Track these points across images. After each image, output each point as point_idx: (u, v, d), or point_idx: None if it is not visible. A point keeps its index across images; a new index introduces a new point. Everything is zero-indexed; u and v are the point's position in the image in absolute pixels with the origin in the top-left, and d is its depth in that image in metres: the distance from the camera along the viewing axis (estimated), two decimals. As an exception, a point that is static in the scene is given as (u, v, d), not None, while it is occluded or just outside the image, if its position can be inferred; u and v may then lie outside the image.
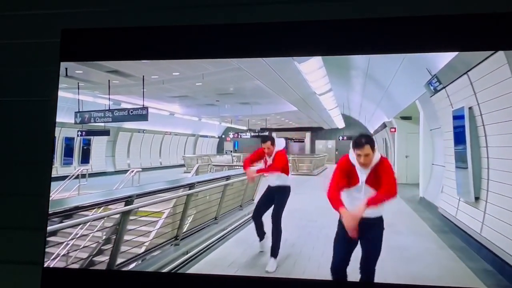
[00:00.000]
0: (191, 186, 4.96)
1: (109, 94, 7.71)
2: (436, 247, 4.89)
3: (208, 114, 14.30)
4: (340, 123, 15.28)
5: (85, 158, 12.38)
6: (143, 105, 7.34)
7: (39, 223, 3.22)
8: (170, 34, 3.31)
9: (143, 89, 7.58)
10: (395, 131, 10.87)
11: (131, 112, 7.36)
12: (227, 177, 6.01)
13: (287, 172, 4.88)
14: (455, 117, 5.24)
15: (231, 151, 18.53)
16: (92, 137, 12.30)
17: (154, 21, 3.35)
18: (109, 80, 7.66)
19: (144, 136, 15.40)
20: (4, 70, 3.52)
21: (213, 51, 3.32)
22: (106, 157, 13.86)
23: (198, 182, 5.12)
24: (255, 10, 3.27)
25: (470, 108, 4.80)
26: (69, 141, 11.24)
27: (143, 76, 7.62)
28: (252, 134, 15.21)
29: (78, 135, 10.69)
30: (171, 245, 4.86)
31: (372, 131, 14.27)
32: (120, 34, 3.34)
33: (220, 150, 19.32)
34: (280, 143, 4.99)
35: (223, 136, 18.83)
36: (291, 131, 17.99)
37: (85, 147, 12.38)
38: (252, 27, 3.18)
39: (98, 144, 13.18)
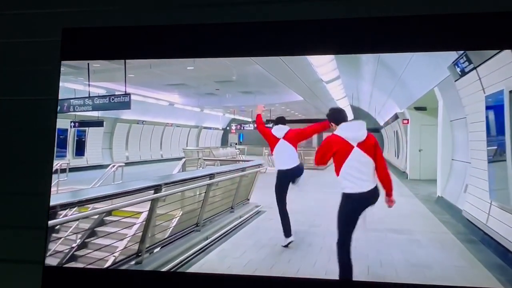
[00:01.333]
0: (156, 188, 3.99)
1: (88, 80, 6.77)
2: (467, 264, 3.90)
3: (209, 104, 13.29)
4: (349, 115, 14.22)
5: (80, 150, 11.76)
6: (125, 92, 6.39)
7: (40, 222, 3.15)
8: (171, 33, 3.25)
9: (125, 72, 6.62)
10: (407, 122, 9.85)
11: (112, 99, 6.43)
12: (211, 176, 5.02)
13: None
14: (489, 104, 4.24)
15: (235, 144, 17.79)
16: (87, 128, 11.62)
17: (156, 20, 3.29)
18: (88, 63, 6.73)
19: (144, 127, 14.59)
20: (5, 69, 3.47)
21: (214, 50, 3.27)
22: (103, 150, 13.23)
23: (167, 184, 4.14)
24: (254, 9, 3.20)
25: (511, 91, 3.80)
26: (62, 133, 10.40)
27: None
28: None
29: (71, 126, 10.05)
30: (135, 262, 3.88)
31: (382, 123, 13.57)
32: (121, 33, 3.30)
33: (224, 142, 18.53)
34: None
35: (228, 128, 18.00)
36: (298, 123, 17.11)
37: (82, 139, 11.74)
38: (252, 25, 3.14)
39: (94, 135, 12.57)
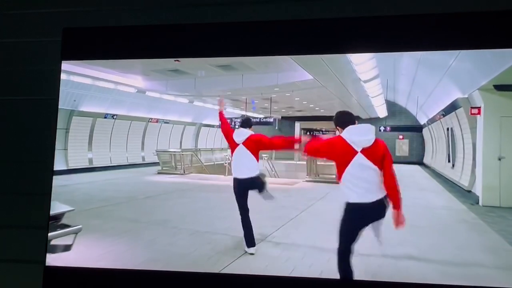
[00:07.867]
0: None
1: None
2: None
3: (180, 89, 9.03)
4: (382, 111, 11.24)
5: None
6: None
7: (41, 222, 3.02)
8: (171, 33, 3.08)
9: None
10: (479, 112, 6.07)
11: None
12: None
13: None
14: None
15: (243, 145, 13.73)
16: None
17: (156, 20, 3.13)
18: None
19: (116, 123, 10.68)
20: (5, 69, 3.27)
21: (213, 50, 3.09)
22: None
23: None
24: (253, 9, 3.03)
25: None
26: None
27: None
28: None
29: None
30: None
31: (424, 121, 10.28)
32: (121, 33, 3.13)
33: (234, 143, 14.50)
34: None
35: (237, 126, 14.06)
36: (320, 120, 13.09)
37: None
38: (253, 25, 2.98)
39: (38, 132, 8.52)
